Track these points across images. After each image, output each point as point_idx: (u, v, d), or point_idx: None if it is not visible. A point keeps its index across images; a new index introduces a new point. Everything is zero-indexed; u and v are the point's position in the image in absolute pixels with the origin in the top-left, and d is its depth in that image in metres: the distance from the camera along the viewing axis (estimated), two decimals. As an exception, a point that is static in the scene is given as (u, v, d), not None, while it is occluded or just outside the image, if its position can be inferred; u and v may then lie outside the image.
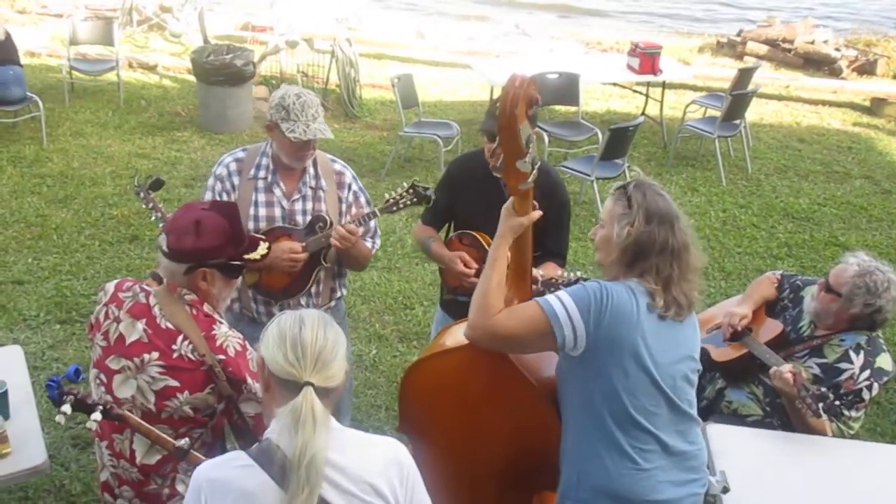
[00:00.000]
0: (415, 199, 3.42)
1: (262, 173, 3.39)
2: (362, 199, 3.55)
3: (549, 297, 2.43)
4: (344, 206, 3.48)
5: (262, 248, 2.65)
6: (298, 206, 3.40)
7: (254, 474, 1.89)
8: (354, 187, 3.52)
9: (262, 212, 3.38)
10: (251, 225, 3.35)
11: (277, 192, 3.39)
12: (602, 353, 2.40)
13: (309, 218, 3.40)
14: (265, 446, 1.91)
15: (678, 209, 2.50)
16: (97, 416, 2.40)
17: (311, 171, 3.42)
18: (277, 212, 3.39)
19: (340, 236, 3.29)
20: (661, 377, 2.43)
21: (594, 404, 2.46)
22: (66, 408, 2.38)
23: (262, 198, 3.38)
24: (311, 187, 3.42)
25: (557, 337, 2.39)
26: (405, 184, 3.44)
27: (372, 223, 3.58)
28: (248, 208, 3.36)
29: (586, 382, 2.46)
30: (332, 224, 3.38)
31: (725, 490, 2.73)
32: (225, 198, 3.37)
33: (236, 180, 3.40)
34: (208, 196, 3.40)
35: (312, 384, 1.88)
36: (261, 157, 3.41)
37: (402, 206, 3.44)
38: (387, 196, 3.45)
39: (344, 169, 3.52)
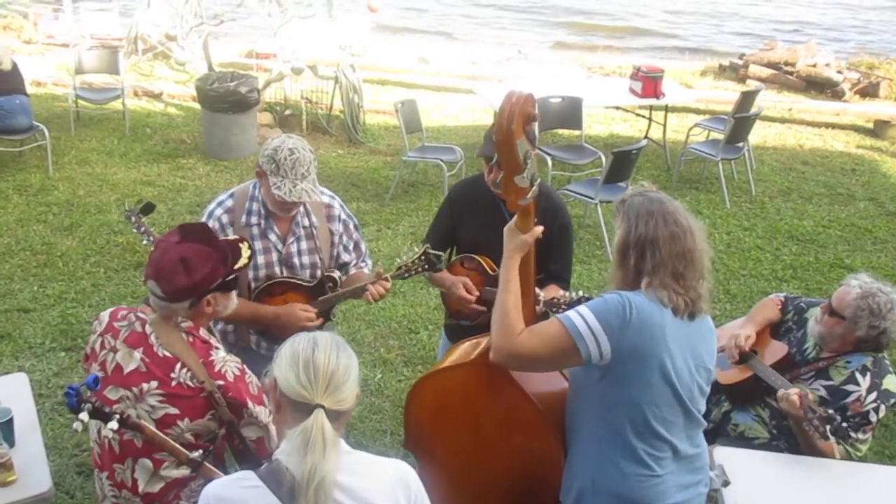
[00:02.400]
0: (426, 266, 3.44)
1: (254, 219, 3.32)
2: (351, 226, 3.56)
3: (570, 313, 2.44)
4: (336, 238, 3.49)
5: (245, 250, 2.66)
6: (294, 247, 3.38)
7: (262, 495, 1.90)
8: (343, 216, 3.51)
9: (261, 259, 3.33)
10: (251, 273, 3.32)
11: (272, 236, 3.35)
12: (628, 365, 2.42)
13: (306, 259, 3.40)
14: (274, 467, 1.92)
15: (671, 206, 2.47)
16: (113, 424, 2.39)
17: (302, 209, 3.38)
18: (274, 256, 3.36)
19: (379, 294, 3.36)
20: (682, 389, 2.46)
21: (614, 414, 2.48)
22: (84, 415, 2.37)
23: (258, 245, 3.32)
24: (304, 227, 3.40)
25: (582, 352, 2.40)
26: (417, 249, 3.45)
27: (362, 246, 3.63)
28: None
29: (608, 393, 2.47)
30: (340, 283, 3.42)
31: (726, 483, 2.79)
32: None
33: (230, 232, 3.30)
34: None
35: (324, 407, 1.89)
36: (251, 203, 3.34)
37: (413, 272, 3.46)
38: (398, 262, 3.47)
39: (332, 200, 3.49)
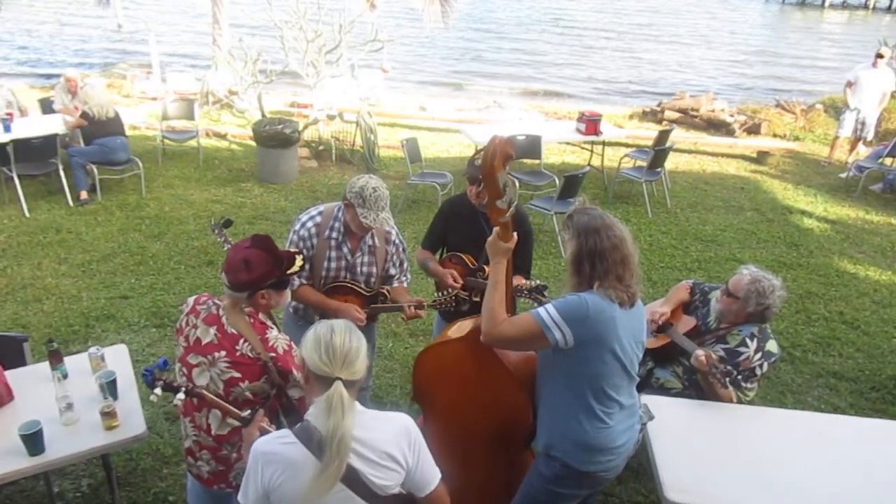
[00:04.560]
0: (454, 305, 3.45)
1: (334, 234, 3.33)
2: (401, 249, 3.54)
3: (539, 310, 2.42)
4: (388, 256, 3.48)
5: (299, 261, 2.61)
6: (359, 260, 3.39)
7: (297, 448, 1.88)
8: (397, 241, 3.51)
9: (333, 264, 3.35)
10: (322, 273, 3.34)
11: (345, 249, 3.35)
12: (587, 349, 2.39)
13: (365, 269, 3.40)
14: (305, 426, 1.90)
15: (610, 221, 2.44)
16: (181, 395, 2.40)
17: (371, 231, 3.39)
18: (343, 263, 3.37)
19: (413, 315, 3.36)
20: (626, 362, 2.46)
21: (577, 384, 2.47)
22: (158, 390, 2.38)
23: (333, 254, 3.34)
24: (368, 245, 3.40)
25: (549, 338, 2.38)
26: (452, 291, 3.47)
27: (405, 265, 3.58)
28: (322, 261, 3.34)
29: (572, 369, 2.45)
30: (388, 298, 3.44)
31: (651, 418, 2.77)
32: (305, 254, 3.31)
33: (315, 241, 3.33)
34: (292, 248, 3.34)
35: (341, 378, 1.87)
36: (334, 221, 3.34)
37: (444, 307, 3.47)
38: (436, 296, 3.50)
39: (391, 229, 3.49)
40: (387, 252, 3.47)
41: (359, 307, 3.35)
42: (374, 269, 3.43)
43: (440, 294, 3.50)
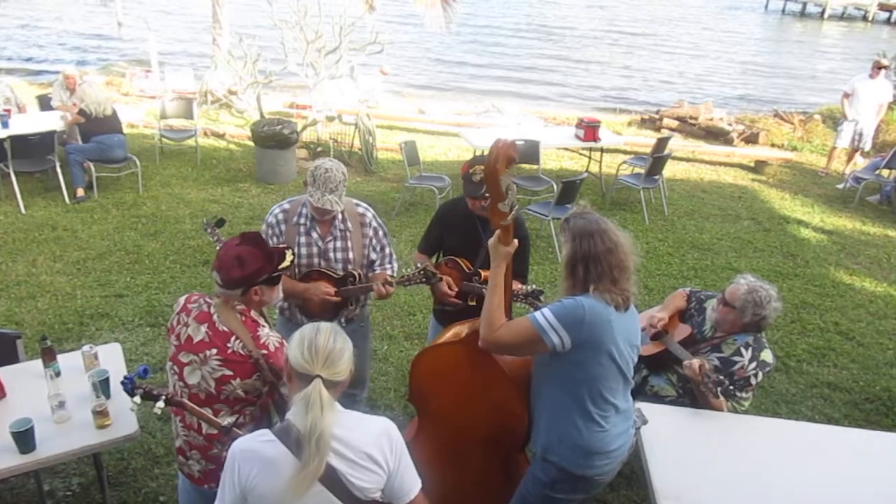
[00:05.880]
0: (423, 280, 3.39)
1: (302, 220, 3.31)
2: (380, 233, 3.48)
3: (537, 314, 2.42)
4: (366, 241, 3.42)
5: (289, 255, 2.61)
6: (331, 245, 3.35)
7: (275, 446, 1.87)
8: (374, 224, 3.45)
9: (304, 250, 3.32)
10: (295, 260, 3.30)
11: (314, 234, 3.32)
12: (584, 352, 2.40)
13: (339, 255, 3.36)
14: (285, 425, 1.89)
15: (606, 225, 2.45)
16: (160, 404, 2.40)
17: (340, 216, 3.35)
18: (315, 250, 3.33)
19: (383, 294, 3.31)
20: (622, 364, 2.46)
21: (575, 388, 2.47)
22: (137, 398, 2.40)
23: (303, 240, 3.32)
24: (340, 230, 3.35)
25: (547, 343, 2.38)
26: (420, 265, 3.40)
27: (387, 250, 3.52)
28: (293, 248, 3.31)
29: (569, 373, 2.45)
30: (360, 279, 3.37)
31: (645, 422, 2.79)
32: (274, 241, 3.31)
33: (283, 227, 3.32)
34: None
35: (321, 377, 1.86)
36: (302, 208, 3.33)
37: (413, 282, 3.39)
38: (404, 272, 3.42)
39: (366, 211, 3.44)
40: (363, 235, 3.41)
41: (327, 285, 3.32)
42: (351, 255, 3.37)
43: (409, 271, 3.44)
